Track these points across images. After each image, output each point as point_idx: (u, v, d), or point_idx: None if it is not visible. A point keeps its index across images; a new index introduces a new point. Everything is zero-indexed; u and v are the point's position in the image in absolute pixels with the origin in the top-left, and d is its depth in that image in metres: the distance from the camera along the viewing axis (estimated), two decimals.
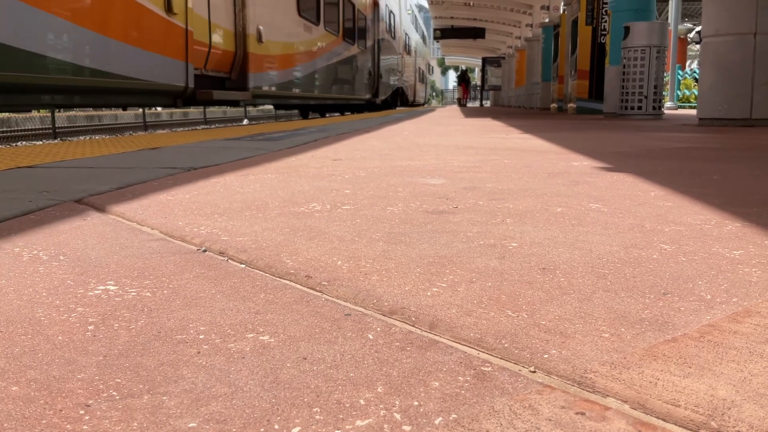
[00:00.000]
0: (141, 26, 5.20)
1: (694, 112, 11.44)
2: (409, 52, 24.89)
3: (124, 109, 10.51)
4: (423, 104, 33.15)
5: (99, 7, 4.70)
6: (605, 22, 10.52)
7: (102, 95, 5.10)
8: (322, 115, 14.17)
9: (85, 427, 0.55)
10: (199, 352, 0.71)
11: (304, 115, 14.07)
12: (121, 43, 4.95)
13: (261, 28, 7.39)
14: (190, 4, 5.81)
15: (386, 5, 17.98)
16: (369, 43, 15.03)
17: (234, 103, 7.26)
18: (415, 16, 30.28)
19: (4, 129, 12.39)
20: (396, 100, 20.68)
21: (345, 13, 12.27)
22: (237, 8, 6.94)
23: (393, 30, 19.80)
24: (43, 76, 4.24)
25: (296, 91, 9.26)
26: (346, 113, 15.52)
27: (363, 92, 14.56)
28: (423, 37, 33.95)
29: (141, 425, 0.55)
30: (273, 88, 8.07)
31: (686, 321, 0.79)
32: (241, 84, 7.07)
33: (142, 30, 5.20)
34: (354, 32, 13.15)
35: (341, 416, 0.57)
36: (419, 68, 30.17)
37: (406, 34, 24.09)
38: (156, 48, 5.38)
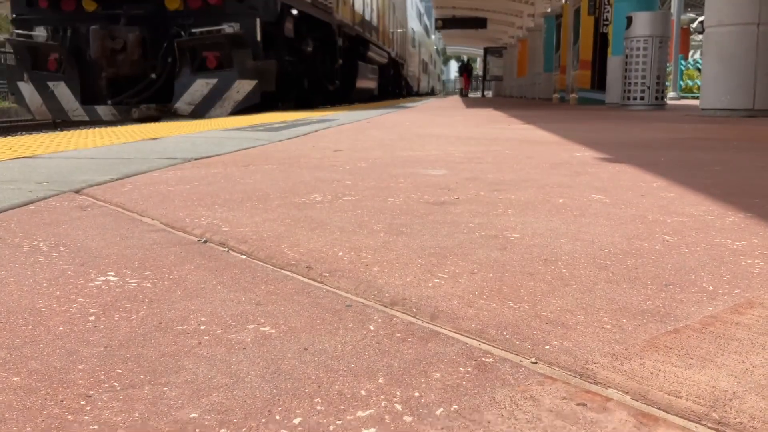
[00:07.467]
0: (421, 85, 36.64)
1: (697, 102, 11.39)
2: (435, 67, 54.12)
3: None
4: (436, 94, 59.55)
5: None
6: (608, 11, 10.47)
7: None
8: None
9: (86, 417, 0.55)
10: (200, 343, 0.71)
11: (404, 96, 28.85)
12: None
13: (420, 77, 36.56)
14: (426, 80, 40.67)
15: (429, 52, 43.79)
16: (427, 70, 40.96)
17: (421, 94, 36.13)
18: (435, 48, 56.40)
19: None
20: (430, 93, 44.98)
21: (427, 65, 43.20)
22: (420, 75, 36.53)
23: (431, 59, 45.94)
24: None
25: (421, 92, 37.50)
26: (411, 97, 31.67)
27: (426, 90, 39.48)
28: (439, 54, 63.25)
29: (142, 415, 0.55)
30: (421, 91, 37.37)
31: (688, 312, 0.79)
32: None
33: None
34: (427, 70, 42.58)
35: (342, 407, 0.57)
36: (438, 75, 61.73)
37: (435, 61, 52.97)
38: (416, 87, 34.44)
